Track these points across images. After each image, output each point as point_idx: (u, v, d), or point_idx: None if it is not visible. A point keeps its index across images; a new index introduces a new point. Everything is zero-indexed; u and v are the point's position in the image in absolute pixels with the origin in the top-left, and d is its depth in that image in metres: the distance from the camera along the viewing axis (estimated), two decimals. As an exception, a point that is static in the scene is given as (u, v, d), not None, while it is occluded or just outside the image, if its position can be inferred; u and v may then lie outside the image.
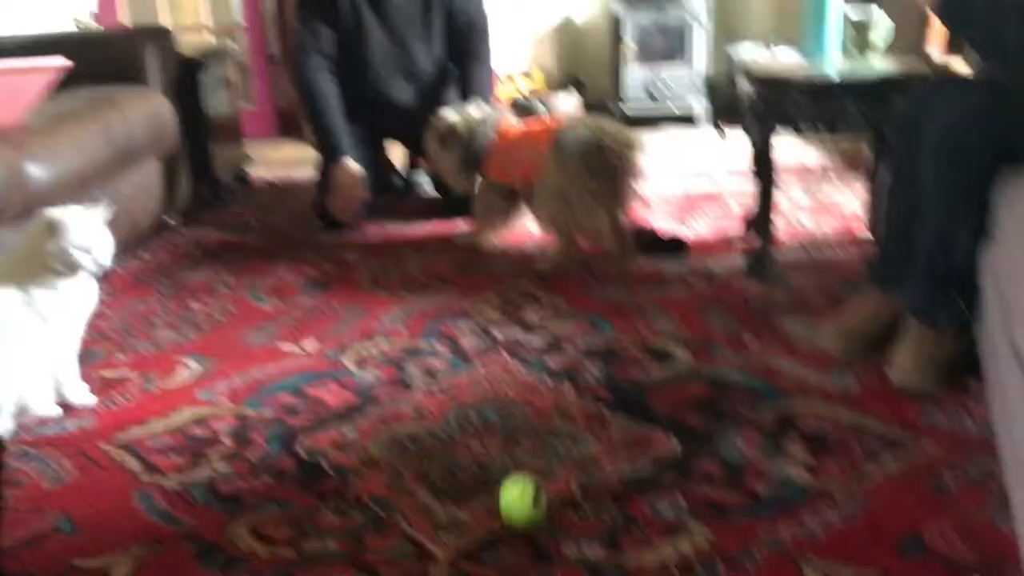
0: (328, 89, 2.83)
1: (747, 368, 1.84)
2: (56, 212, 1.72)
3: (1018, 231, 1.39)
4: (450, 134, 2.61)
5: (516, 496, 1.36)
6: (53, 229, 1.68)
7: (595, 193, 2.38)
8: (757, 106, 2.27)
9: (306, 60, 2.83)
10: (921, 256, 1.71)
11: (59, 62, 2.27)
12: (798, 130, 2.21)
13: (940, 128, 1.63)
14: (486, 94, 2.87)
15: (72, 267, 1.70)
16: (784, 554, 1.28)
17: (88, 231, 1.71)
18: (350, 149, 2.81)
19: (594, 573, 1.26)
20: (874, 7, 2.30)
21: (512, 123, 2.67)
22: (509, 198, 2.62)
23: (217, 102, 3.27)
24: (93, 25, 3.93)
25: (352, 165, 2.79)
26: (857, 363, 1.83)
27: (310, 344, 2.06)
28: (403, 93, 2.94)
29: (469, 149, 2.60)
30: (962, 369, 1.72)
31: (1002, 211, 1.53)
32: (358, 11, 2.83)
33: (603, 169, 2.37)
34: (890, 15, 2.27)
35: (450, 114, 2.65)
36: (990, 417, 1.50)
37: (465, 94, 2.86)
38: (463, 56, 2.93)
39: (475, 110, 2.66)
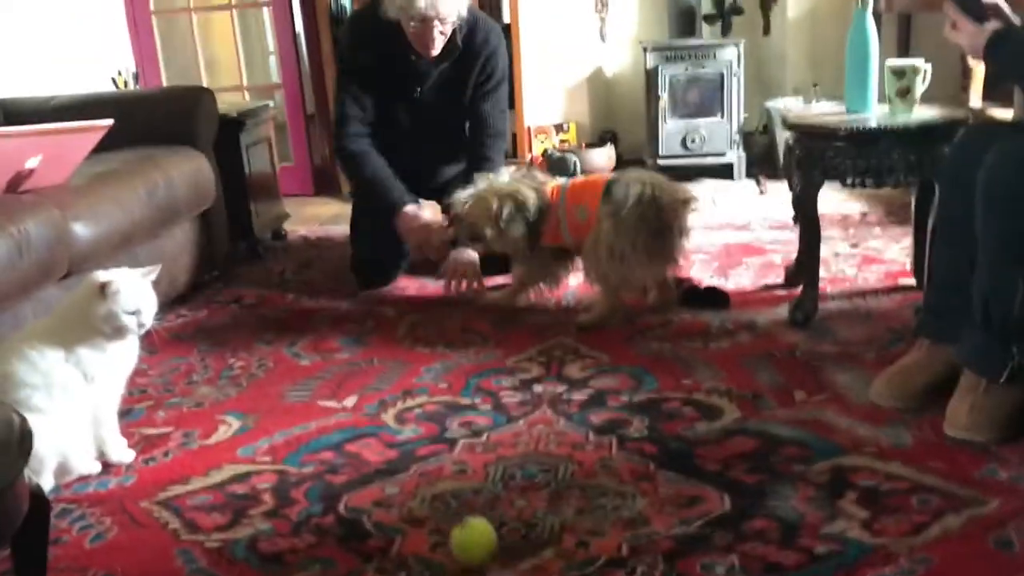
0: (369, 151, 2.80)
1: (797, 422, 1.79)
2: (106, 275, 1.74)
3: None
4: (516, 210, 2.45)
5: (475, 537, 1.40)
6: (105, 294, 1.70)
7: (649, 249, 2.35)
8: (802, 158, 2.26)
9: (345, 130, 2.79)
10: (976, 306, 1.67)
11: (105, 122, 2.31)
12: (845, 183, 2.19)
13: (991, 175, 1.60)
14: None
15: (121, 331, 1.72)
16: (846, 617, 1.23)
17: (138, 295, 1.73)
18: (408, 195, 2.75)
19: (647, 637, 1.22)
20: (914, 58, 2.29)
21: (554, 184, 2.56)
22: (560, 258, 2.58)
23: (256, 160, 3.31)
24: (133, 85, 4.01)
25: (415, 209, 2.73)
26: (910, 416, 1.78)
27: (350, 400, 2.04)
28: (429, 172, 2.97)
29: (530, 221, 2.47)
30: (1021, 421, 1.66)
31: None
32: (388, 104, 2.82)
33: (658, 224, 2.35)
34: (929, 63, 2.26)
35: (503, 189, 2.49)
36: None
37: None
38: (475, 155, 2.85)
39: (523, 180, 2.54)
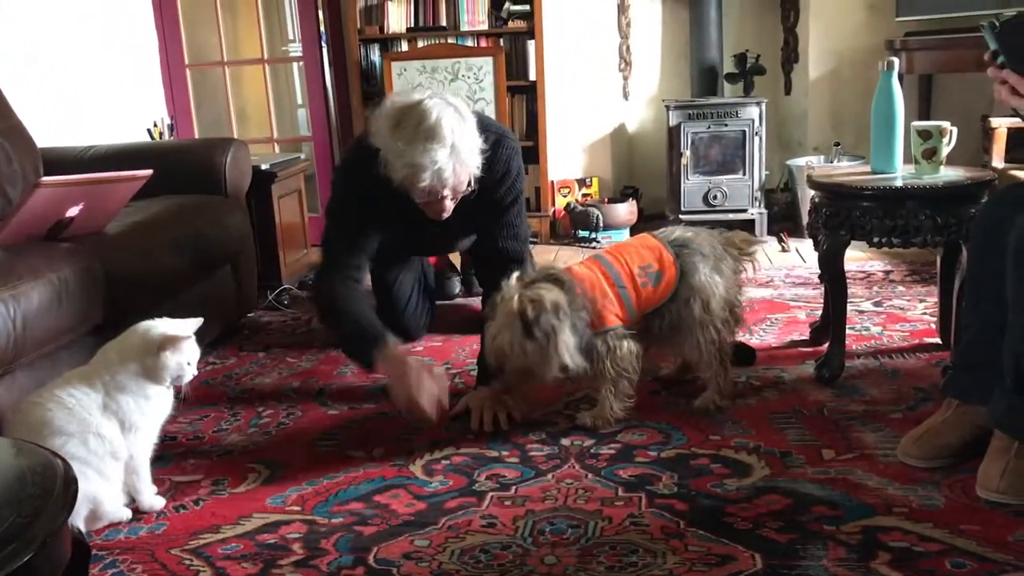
0: (350, 295, 2.31)
1: (826, 480, 1.79)
2: (163, 328, 1.79)
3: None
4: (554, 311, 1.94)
5: None
6: (172, 347, 1.76)
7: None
8: (829, 216, 2.28)
9: (328, 280, 2.34)
10: (1007, 367, 1.67)
11: (145, 172, 2.36)
12: (871, 242, 2.20)
13: (1021, 235, 1.62)
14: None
15: (179, 380, 1.78)
16: None
17: (192, 345, 1.80)
18: (387, 336, 2.21)
19: None
20: (937, 119, 2.32)
21: (587, 273, 2.09)
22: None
23: (286, 210, 3.37)
24: (169, 135, 4.10)
25: (399, 350, 2.22)
26: (940, 477, 1.77)
27: (378, 451, 2.05)
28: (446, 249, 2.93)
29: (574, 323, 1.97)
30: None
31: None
32: (398, 220, 2.37)
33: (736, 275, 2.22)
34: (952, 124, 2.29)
35: (530, 294, 1.95)
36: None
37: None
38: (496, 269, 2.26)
39: (540, 283, 1.99)
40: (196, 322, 1.83)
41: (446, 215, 2.27)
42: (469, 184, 2.23)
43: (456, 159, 2.12)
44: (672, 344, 2.21)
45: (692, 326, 2.11)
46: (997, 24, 1.66)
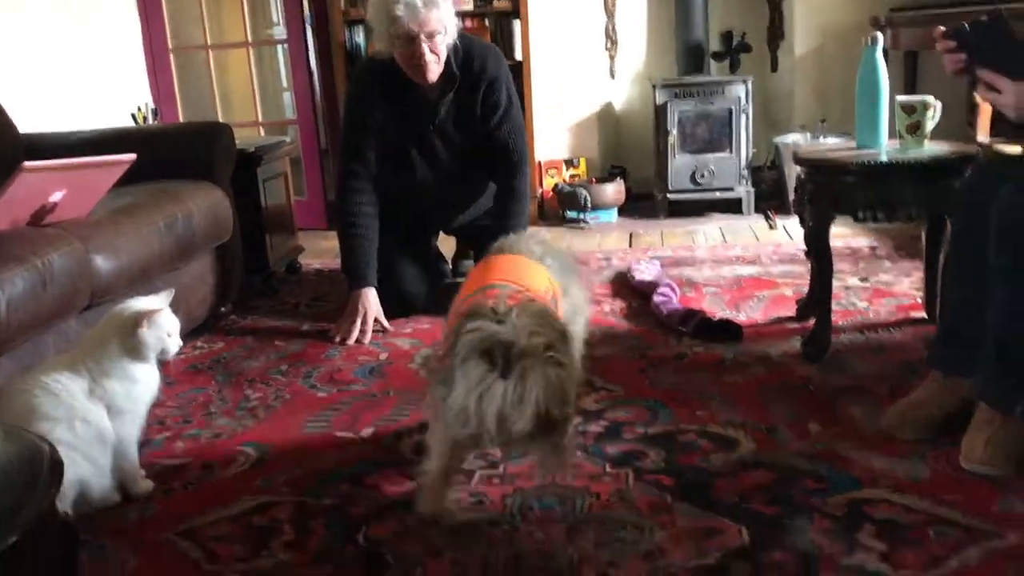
0: (365, 218, 2.82)
1: (812, 454, 1.80)
2: (137, 306, 1.80)
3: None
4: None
5: None
6: (147, 323, 1.75)
7: None
8: (814, 192, 2.28)
9: (348, 183, 2.83)
10: (991, 340, 1.68)
11: (128, 157, 2.35)
12: (856, 217, 2.21)
13: (1006, 209, 1.63)
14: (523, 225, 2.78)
15: (164, 355, 1.80)
16: (867, 649, 1.23)
17: (169, 317, 1.82)
18: (374, 279, 2.80)
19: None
20: (922, 94, 2.32)
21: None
22: None
23: (271, 194, 3.35)
24: (153, 120, 4.08)
25: (372, 298, 2.78)
26: (925, 449, 1.79)
27: (367, 431, 2.05)
28: (447, 208, 3.04)
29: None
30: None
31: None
32: (404, 148, 2.86)
33: None
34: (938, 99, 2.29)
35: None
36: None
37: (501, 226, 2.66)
38: (501, 185, 2.91)
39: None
40: (168, 293, 1.85)
41: (431, 75, 2.67)
42: (447, 47, 2.65)
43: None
44: None
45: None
46: (967, 26, 1.70)
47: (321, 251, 3.96)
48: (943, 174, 2.18)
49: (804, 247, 2.52)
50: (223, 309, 3.02)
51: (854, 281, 2.98)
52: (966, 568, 1.40)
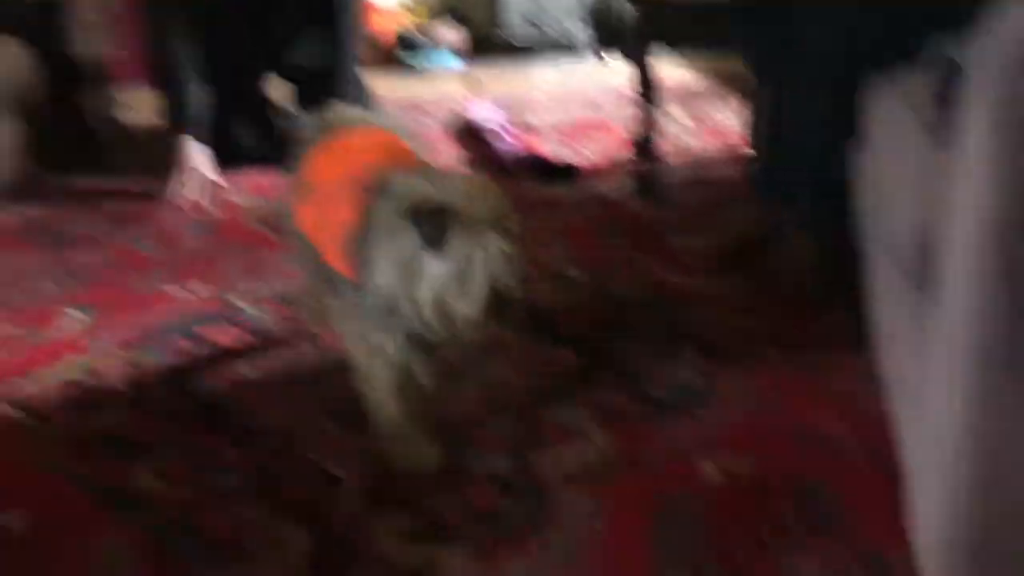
0: (182, 61, 2.60)
1: (640, 284, 1.89)
2: None
3: (886, 134, 1.45)
4: None
5: None
6: None
7: None
8: (640, 28, 2.29)
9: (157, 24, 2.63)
10: (802, 168, 1.77)
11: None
12: (676, 49, 2.24)
13: (816, 40, 1.68)
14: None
15: None
16: (683, 453, 1.34)
17: None
18: (201, 129, 2.58)
19: (503, 486, 1.29)
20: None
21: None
22: None
23: (82, 44, 3.09)
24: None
25: (200, 151, 2.58)
26: (742, 272, 1.90)
27: (199, 287, 2.00)
28: (275, 50, 2.84)
29: None
30: (843, 273, 1.80)
31: (872, 116, 1.59)
32: None
33: None
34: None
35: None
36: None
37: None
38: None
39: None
40: None
41: None
42: None
43: None
44: None
45: None
46: None
47: (143, 107, 3.72)
48: (768, 9, 2.21)
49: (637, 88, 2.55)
50: (39, 172, 2.81)
51: (684, 119, 3.05)
52: (775, 374, 1.53)
